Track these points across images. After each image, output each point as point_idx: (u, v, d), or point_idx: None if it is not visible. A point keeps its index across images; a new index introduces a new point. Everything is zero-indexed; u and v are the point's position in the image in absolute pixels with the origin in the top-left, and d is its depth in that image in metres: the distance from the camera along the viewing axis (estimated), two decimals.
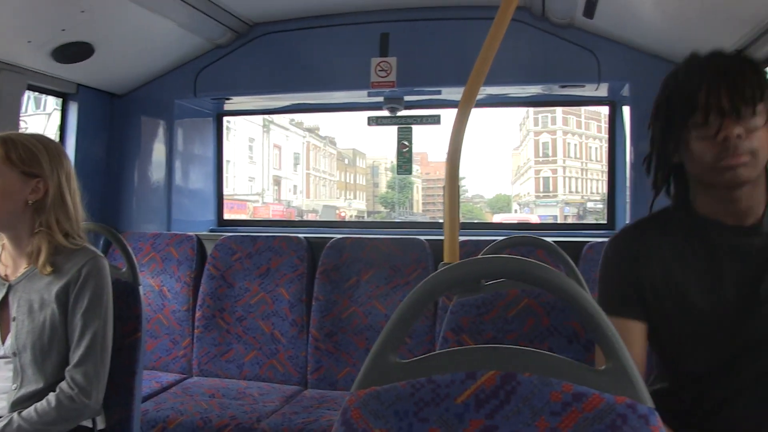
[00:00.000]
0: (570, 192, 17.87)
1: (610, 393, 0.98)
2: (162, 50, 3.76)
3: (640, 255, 1.57)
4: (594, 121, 17.22)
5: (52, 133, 3.79)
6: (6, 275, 1.97)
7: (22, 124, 3.32)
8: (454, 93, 3.73)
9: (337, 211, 17.52)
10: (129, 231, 3.90)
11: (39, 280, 1.91)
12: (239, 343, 3.49)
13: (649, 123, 1.58)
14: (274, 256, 3.57)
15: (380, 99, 3.92)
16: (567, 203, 17.64)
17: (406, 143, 4.06)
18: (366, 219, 15.81)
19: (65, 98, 3.76)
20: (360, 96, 3.94)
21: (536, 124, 18.22)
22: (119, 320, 2.02)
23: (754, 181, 1.43)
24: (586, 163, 17.88)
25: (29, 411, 1.81)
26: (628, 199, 3.62)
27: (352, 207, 18.68)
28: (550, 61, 3.51)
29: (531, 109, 17.02)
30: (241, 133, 15.02)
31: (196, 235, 3.75)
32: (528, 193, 18.46)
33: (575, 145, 17.96)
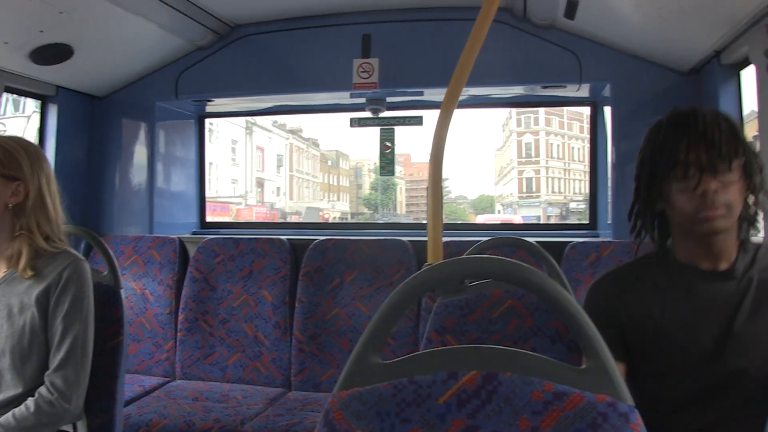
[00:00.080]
0: (553, 192, 17.94)
1: (591, 392, 0.98)
2: (143, 52, 3.73)
3: (622, 297, 1.67)
4: (576, 122, 17.30)
5: (32, 136, 3.75)
6: None
7: (0, 127, 3.28)
8: (436, 94, 3.74)
9: (321, 213, 17.48)
10: (110, 234, 3.87)
11: (19, 283, 1.89)
12: (222, 345, 3.47)
13: (635, 175, 1.69)
14: (257, 258, 3.56)
15: (362, 100, 3.92)
16: (550, 204, 17.70)
17: (389, 144, 4.06)
18: (349, 220, 15.79)
19: (44, 100, 3.72)
20: (342, 97, 3.94)
21: (519, 124, 18.28)
22: (100, 324, 2.01)
23: (728, 229, 1.57)
24: (568, 163, 17.96)
25: (7, 417, 1.79)
26: (609, 199, 3.65)
27: (336, 209, 18.64)
28: (532, 61, 3.53)
29: (514, 110, 17.10)
30: (223, 135, 14.95)
31: (178, 237, 3.74)
32: (511, 194, 18.51)
33: (558, 145, 18.03)
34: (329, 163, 19.22)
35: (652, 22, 2.97)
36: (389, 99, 3.92)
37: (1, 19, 2.88)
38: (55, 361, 1.84)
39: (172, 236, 3.74)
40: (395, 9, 3.64)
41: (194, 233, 4.27)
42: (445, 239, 2.57)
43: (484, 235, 3.44)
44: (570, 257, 3.26)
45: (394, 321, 1.07)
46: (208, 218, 4.47)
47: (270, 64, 3.80)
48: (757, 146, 2.48)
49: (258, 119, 15.01)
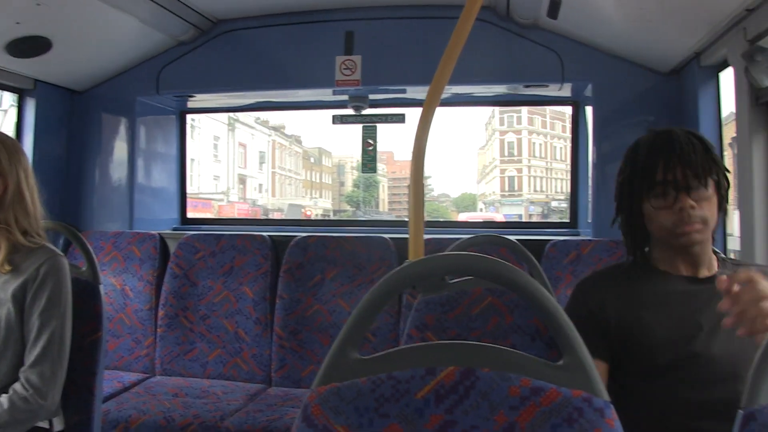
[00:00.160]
0: (535, 191, 18.00)
1: (568, 387, 0.99)
2: (123, 46, 3.70)
3: (606, 297, 1.73)
4: (559, 121, 17.35)
5: (9, 130, 3.70)
6: None
7: None
8: (419, 92, 3.74)
9: (303, 210, 17.42)
10: (90, 230, 3.83)
11: None
12: (203, 341, 3.46)
13: (614, 194, 1.80)
14: (238, 254, 3.55)
15: (345, 97, 3.92)
16: (532, 202, 17.77)
17: (371, 142, 4.07)
18: (332, 217, 15.76)
19: (22, 94, 3.67)
20: (325, 94, 3.94)
21: (502, 123, 18.30)
22: (79, 320, 1.99)
23: (704, 240, 1.69)
24: (550, 162, 18.02)
25: None
26: (590, 198, 3.67)
27: (318, 206, 18.58)
28: (515, 60, 3.55)
29: (497, 109, 17.11)
30: (205, 132, 14.84)
31: (158, 233, 3.71)
32: (493, 192, 18.54)
33: (540, 144, 18.09)
34: (312, 160, 19.16)
35: (633, 23, 3.00)
36: (372, 96, 3.92)
37: None
38: (30, 357, 1.82)
39: (153, 232, 3.72)
40: (378, 6, 3.64)
41: (175, 229, 4.24)
42: (426, 236, 2.57)
43: (465, 232, 3.46)
44: (550, 255, 3.28)
45: (373, 316, 1.07)
46: (190, 214, 4.45)
47: (252, 60, 3.79)
48: (735, 148, 2.52)
49: (240, 116, 14.90)
